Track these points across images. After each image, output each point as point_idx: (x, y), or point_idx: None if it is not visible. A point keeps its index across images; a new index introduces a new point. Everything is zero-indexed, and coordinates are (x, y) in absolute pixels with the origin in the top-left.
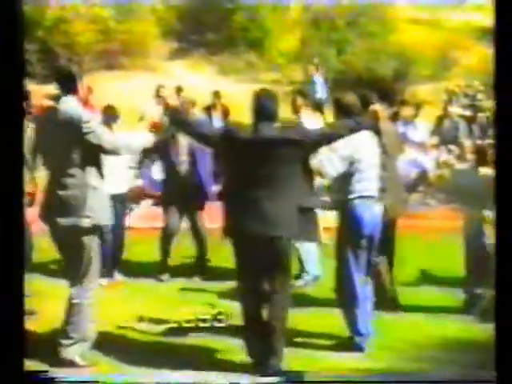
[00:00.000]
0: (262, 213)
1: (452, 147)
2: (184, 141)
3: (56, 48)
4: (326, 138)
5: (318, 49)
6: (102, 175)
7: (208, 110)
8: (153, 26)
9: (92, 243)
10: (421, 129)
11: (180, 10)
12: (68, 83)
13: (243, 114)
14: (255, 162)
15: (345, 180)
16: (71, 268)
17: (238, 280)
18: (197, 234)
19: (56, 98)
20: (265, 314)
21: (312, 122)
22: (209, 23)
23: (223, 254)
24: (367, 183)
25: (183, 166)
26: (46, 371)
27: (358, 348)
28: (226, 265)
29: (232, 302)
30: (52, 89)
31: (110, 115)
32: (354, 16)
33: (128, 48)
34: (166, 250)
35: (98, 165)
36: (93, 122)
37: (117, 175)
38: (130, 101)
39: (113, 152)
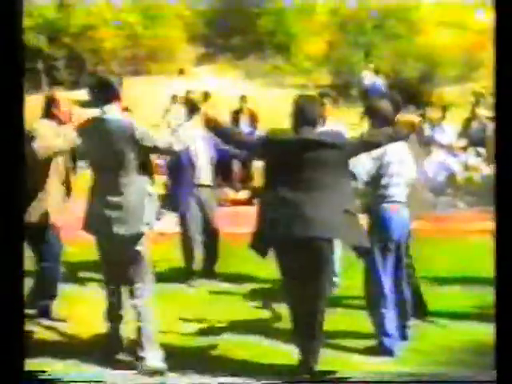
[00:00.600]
0: (304, 216)
1: (480, 149)
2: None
3: (83, 54)
4: (365, 145)
5: (345, 52)
6: (154, 181)
7: (235, 114)
8: (179, 30)
9: (146, 250)
10: (448, 131)
11: (206, 14)
12: (110, 91)
13: (270, 118)
14: (296, 165)
15: (374, 184)
16: (124, 278)
17: (283, 283)
18: (211, 238)
19: (87, 105)
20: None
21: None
22: (235, 28)
23: (235, 258)
24: (396, 188)
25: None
26: (46, 371)
27: (388, 351)
28: (238, 269)
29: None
30: (80, 95)
31: None
32: (380, 19)
33: (155, 53)
34: (190, 255)
35: (150, 171)
36: (143, 127)
37: None
38: (157, 106)
39: (168, 151)
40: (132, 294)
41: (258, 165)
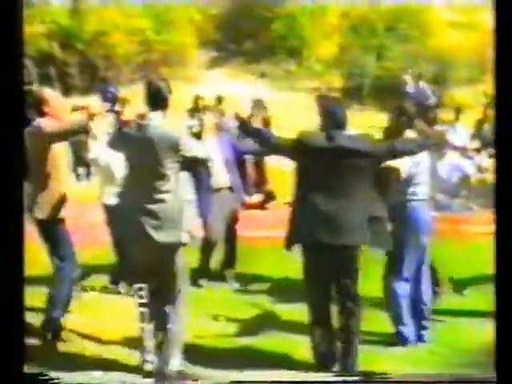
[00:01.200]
0: (335, 222)
1: (493, 151)
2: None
3: (96, 60)
4: (396, 153)
5: (357, 55)
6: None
7: (248, 118)
8: (191, 35)
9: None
10: (461, 133)
11: (218, 19)
12: (158, 99)
13: (283, 122)
14: (328, 171)
15: (408, 181)
16: (159, 284)
17: (308, 285)
18: (230, 241)
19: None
20: (337, 318)
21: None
22: (247, 32)
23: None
24: (423, 186)
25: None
26: (46, 373)
27: (404, 340)
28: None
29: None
30: (94, 101)
31: None
32: (392, 21)
33: (167, 58)
34: (207, 259)
35: (188, 179)
36: (186, 137)
37: None
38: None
39: (205, 162)
40: (165, 300)
41: (271, 168)
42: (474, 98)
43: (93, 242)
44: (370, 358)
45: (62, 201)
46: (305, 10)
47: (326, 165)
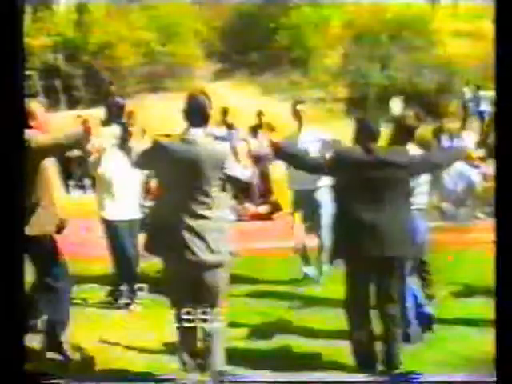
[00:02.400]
0: (380, 234)
1: (494, 159)
2: None
3: (101, 72)
4: (429, 166)
5: (362, 64)
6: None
7: (254, 129)
8: (196, 47)
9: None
10: (467, 141)
11: (223, 31)
12: (200, 115)
13: (288, 133)
14: (368, 184)
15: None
16: (198, 300)
17: (350, 294)
18: None
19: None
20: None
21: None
22: (252, 43)
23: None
24: (423, 196)
25: None
26: (47, 374)
27: (408, 338)
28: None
29: None
30: (99, 113)
31: None
32: (396, 30)
33: (172, 70)
34: None
35: (227, 196)
36: (231, 155)
37: (127, 202)
38: (176, 123)
39: (245, 184)
40: (205, 314)
41: (276, 179)
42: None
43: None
44: None
45: (54, 217)
46: (309, 20)
47: (365, 178)
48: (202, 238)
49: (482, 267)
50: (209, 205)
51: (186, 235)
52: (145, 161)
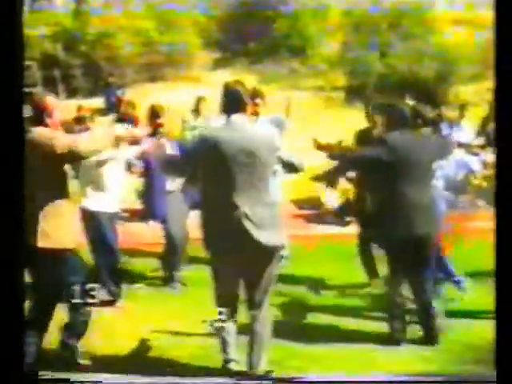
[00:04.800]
0: (418, 214)
1: (494, 149)
2: None
3: (99, 62)
4: (448, 150)
5: (360, 53)
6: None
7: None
8: (195, 36)
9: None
10: (467, 130)
11: (221, 20)
12: (238, 103)
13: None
14: (416, 165)
15: None
16: (254, 292)
17: (392, 273)
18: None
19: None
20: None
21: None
22: (250, 32)
23: None
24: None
25: None
26: (47, 373)
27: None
28: None
29: None
30: (98, 103)
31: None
32: (395, 18)
33: (171, 59)
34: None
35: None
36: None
37: (111, 195)
38: (174, 112)
39: (299, 168)
40: (253, 305)
41: None
42: (479, 94)
43: None
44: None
45: (73, 226)
46: (308, 8)
47: (408, 161)
48: (260, 224)
49: (483, 255)
50: (265, 190)
51: (246, 223)
52: (192, 159)
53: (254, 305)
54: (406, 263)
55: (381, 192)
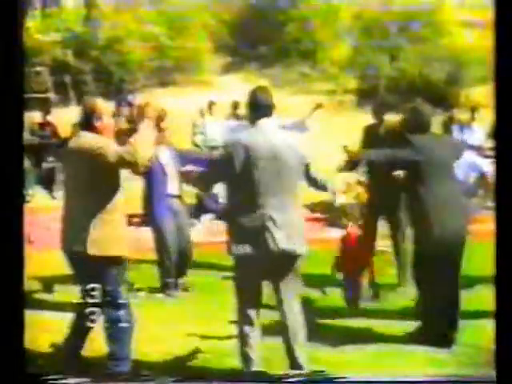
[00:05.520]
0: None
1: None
2: None
3: (110, 67)
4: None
5: (371, 56)
6: None
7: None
8: (205, 41)
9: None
10: (478, 132)
11: (231, 24)
12: (265, 107)
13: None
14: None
15: None
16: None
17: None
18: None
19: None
20: None
21: None
22: (261, 36)
23: None
24: None
25: None
26: (47, 374)
27: None
28: None
29: None
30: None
31: None
32: (405, 21)
33: (181, 64)
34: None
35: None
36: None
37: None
38: (185, 117)
39: (323, 186)
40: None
41: None
42: (490, 96)
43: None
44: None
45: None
46: (317, 12)
47: (433, 162)
48: (286, 229)
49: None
50: (292, 196)
51: (272, 228)
52: (222, 169)
53: (281, 304)
54: (439, 263)
55: (413, 193)
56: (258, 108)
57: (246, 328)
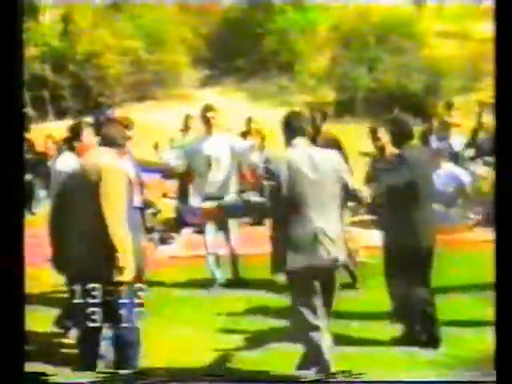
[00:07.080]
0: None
1: (488, 159)
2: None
3: (88, 81)
4: None
5: (349, 68)
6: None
7: (243, 135)
8: (183, 54)
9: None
10: (456, 142)
11: (209, 37)
12: (300, 127)
13: (278, 138)
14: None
15: None
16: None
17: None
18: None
19: None
20: None
21: None
22: (238, 49)
23: None
24: None
25: None
26: (46, 374)
27: None
28: None
29: None
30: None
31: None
32: (383, 33)
33: (159, 78)
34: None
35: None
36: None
37: None
38: (164, 131)
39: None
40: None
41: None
42: (468, 106)
43: None
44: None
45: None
46: (295, 25)
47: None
48: (335, 241)
49: (476, 267)
50: (336, 208)
51: (323, 240)
52: (281, 181)
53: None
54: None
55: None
56: (294, 128)
57: (315, 335)
